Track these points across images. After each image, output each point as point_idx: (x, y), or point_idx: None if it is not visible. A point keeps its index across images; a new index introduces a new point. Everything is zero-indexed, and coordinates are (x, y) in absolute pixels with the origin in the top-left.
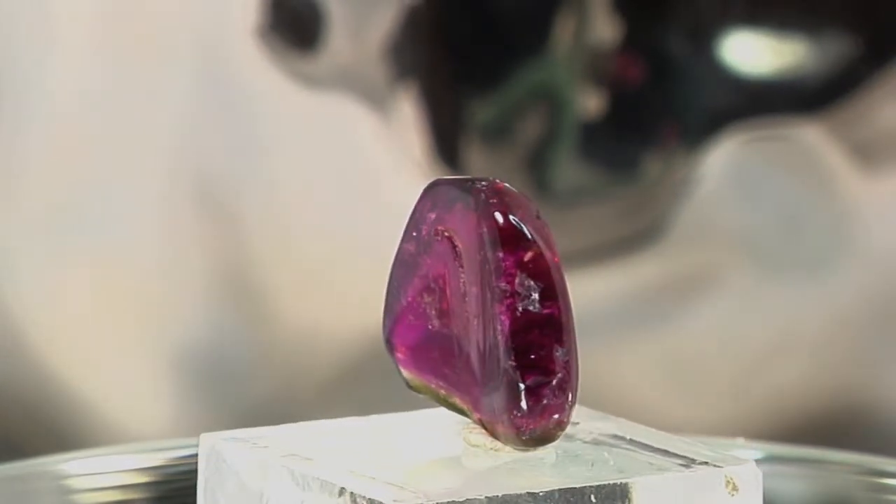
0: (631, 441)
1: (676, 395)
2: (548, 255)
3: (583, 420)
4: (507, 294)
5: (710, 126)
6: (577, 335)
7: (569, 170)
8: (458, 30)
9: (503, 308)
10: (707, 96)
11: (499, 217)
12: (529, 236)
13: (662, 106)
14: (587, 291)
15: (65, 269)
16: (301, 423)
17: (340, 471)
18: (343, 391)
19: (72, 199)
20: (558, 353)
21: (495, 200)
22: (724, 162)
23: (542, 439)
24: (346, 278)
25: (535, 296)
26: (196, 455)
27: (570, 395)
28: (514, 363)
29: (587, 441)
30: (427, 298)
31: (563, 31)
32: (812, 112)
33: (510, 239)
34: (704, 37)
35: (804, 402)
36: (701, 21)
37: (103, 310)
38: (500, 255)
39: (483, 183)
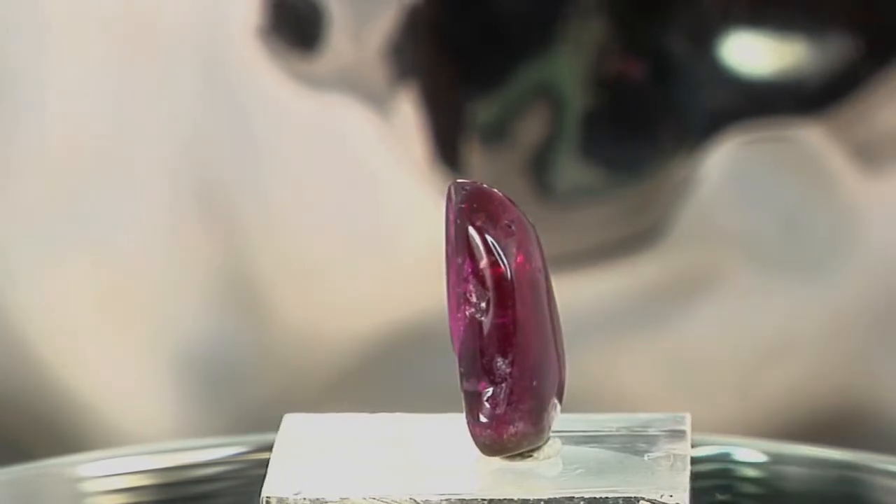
0: (648, 460)
1: (678, 396)
2: (511, 264)
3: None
4: (463, 300)
5: (711, 127)
6: (576, 337)
7: (570, 170)
8: (458, 30)
9: (461, 315)
10: (708, 97)
11: (461, 223)
12: (488, 245)
13: (663, 106)
14: (588, 292)
15: (65, 270)
16: (386, 415)
17: (312, 470)
18: (343, 392)
19: (72, 201)
20: (500, 364)
21: (464, 206)
22: (724, 163)
23: (497, 448)
24: (346, 279)
25: (484, 305)
26: (208, 460)
27: (519, 407)
28: (462, 370)
29: (613, 451)
30: (460, 299)
31: (564, 31)
32: (813, 113)
33: (470, 246)
34: (705, 37)
35: (805, 401)
36: (702, 22)
37: (104, 311)
38: (459, 260)
39: (466, 187)
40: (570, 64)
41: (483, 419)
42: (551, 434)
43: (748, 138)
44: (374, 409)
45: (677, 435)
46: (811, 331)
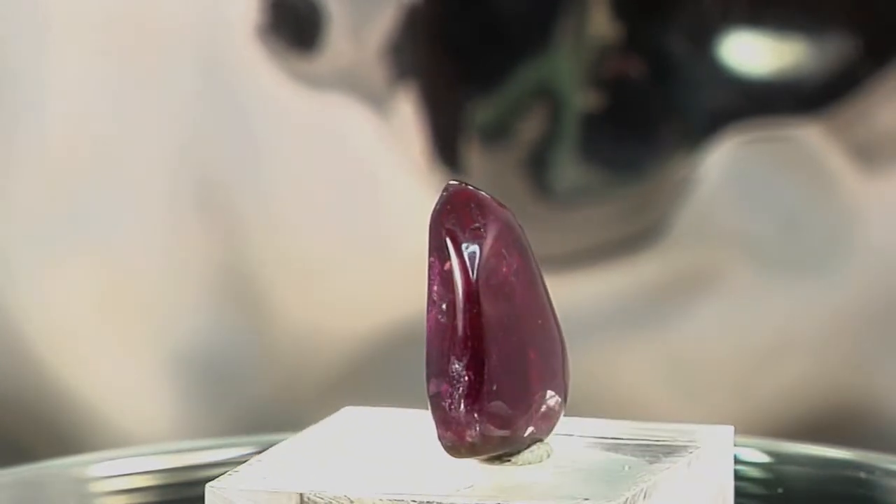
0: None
1: (677, 395)
2: (475, 267)
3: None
4: (430, 302)
5: (710, 126)
6: (575, 336)
7: (569, 170)
8: (458, 30)
9: (429, 315)
10: (707, 96)
11: (433, 225)
12: (456, 247)
13: (663, 106)
14: (588, 291)
15: (65, 270)
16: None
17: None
18: (343, 392)
19: (72, 201)
20: (456, 366)
21: (439, 207)
22: (724, 162)
23: (462, 450)
24: (346, 279)
25: (444, 307)
26: (214, 461)
27: (477, 410)
28: (426, 370)
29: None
30: (429, 300)
31: (564, 31)
32: (812, 112)
33: (438, 247)
34: (705, 37)
35: (805, 401)
36: (701, 21)
37: (104, 311)
38: (429, 261)
39: (450, 188)
40: (570, 64)
41: (442, 421)
42: (552, 437)
43: (748, 138)
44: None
45: (688, 447)
46: (811, 330)
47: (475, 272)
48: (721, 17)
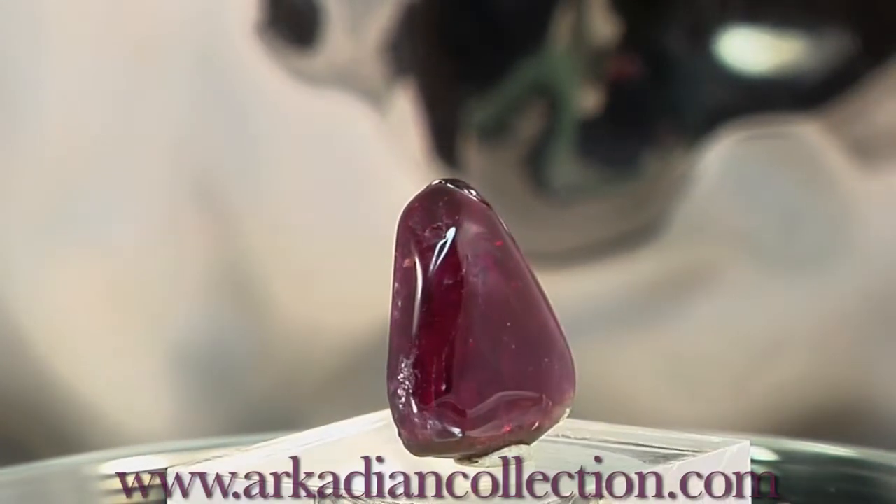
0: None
1: (675, 392)
2: (431, 266)
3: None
4: (392, 295)
5: (708, 123)
6: (573, 333)
7: (567, 167)
8: (456, 28)
9: (391, 313)
10: (706, 93)
11: (400, 221)
12: (419, 244)
13: (661, 103)
14: (586, 288)
15: (65, 269)
16: None
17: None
18: (341, 389)
19: (71, 199)
20: (404, 364)
21: (408, 204)
22: (722, 159)
23: (420, 448)
24: (344, 276)
25: (400, 304)
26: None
27: (428, 409)
28: (387, 368)
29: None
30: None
31: (562, 29)
32: (810, 109)
33: (400, 244)
34: (703, 34)
35: (803, 398)
36: (700, 18)
37: (103, 308)
38: (394, 258)
39: (431, 185)
40: (568, 60)
41: (398, 420)
42: (549, 438)
43: (746, 135)
44: (371, 406)
45: (683, 456)
46: (809, 327)
47: (430, 271)
48: (719, 15)
